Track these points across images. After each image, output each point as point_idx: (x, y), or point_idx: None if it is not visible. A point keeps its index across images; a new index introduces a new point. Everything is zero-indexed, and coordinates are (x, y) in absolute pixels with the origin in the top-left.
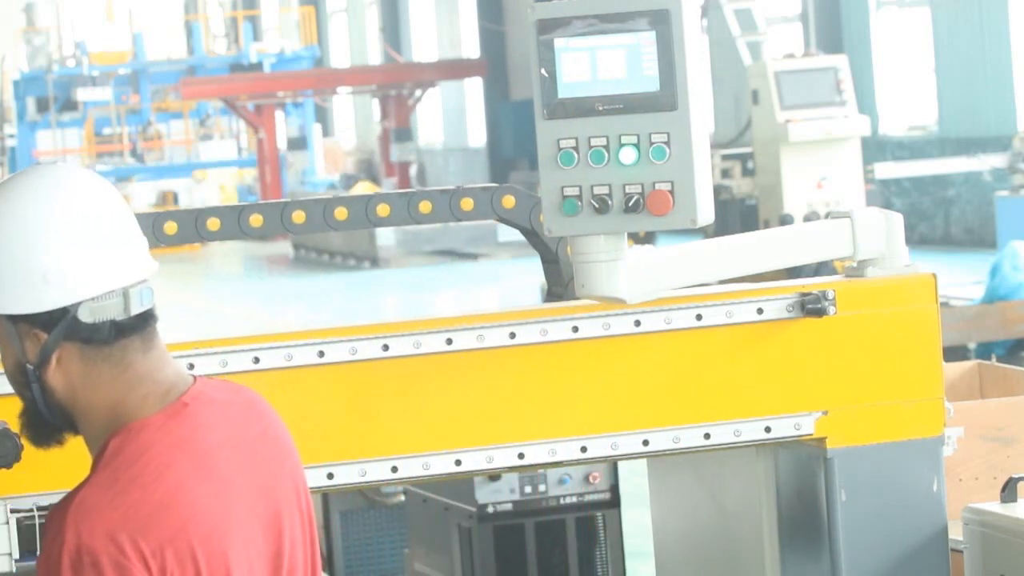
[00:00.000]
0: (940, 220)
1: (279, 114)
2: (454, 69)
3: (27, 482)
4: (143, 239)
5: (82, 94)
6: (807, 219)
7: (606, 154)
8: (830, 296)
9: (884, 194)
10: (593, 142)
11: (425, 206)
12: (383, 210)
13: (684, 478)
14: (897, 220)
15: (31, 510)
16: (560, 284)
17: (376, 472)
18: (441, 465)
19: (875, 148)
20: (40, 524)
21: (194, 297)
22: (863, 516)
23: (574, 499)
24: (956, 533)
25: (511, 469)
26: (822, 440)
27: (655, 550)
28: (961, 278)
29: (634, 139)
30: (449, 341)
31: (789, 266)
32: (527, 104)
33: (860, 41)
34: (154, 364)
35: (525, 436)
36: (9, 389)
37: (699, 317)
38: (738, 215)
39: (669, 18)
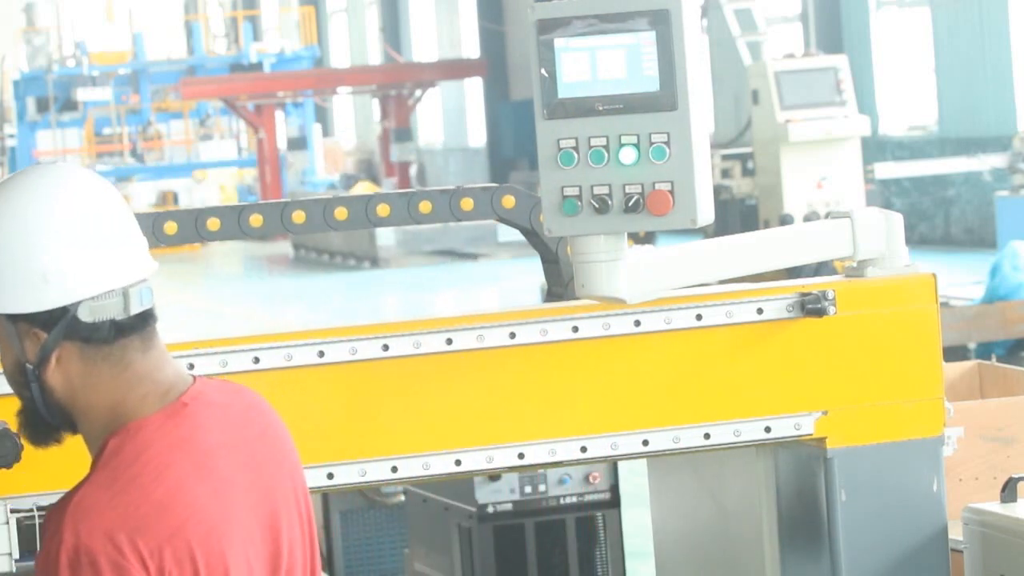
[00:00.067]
0: (940, 220)
1: (279, 114)
2: (454, 69)
3: (27, 482)
4: (143, 239)
5: (82, 94)
6: (807, 219)
7: (606, 154)
8: (830, 296)
9: (884, 194)
10: (593, 142)
11: (425, 206)
12: (383, 210)
13: (684, 478)
14: (897, 220)
15: (31, 510)
16: (560, 284)
17: (376, 472)
18: (441, 465)
19: (875, 148)
20: (40, 524)
21: (194, 297)
22: (863, 516)
23: (574, 499)
24: (956, 533)
25: (511, 469)
26: (822, 440)
27: (655, 550)
28: (961, 278)
29: (634, 139)
30: (449, 341)
31: (789, 266)
32: (527, 104)
33: (860, 41)
34: (154, 364)
35: (525, 436)
36: (9, 389)
37: (699, 317)
38: (738, 215)
39: (669, 18)
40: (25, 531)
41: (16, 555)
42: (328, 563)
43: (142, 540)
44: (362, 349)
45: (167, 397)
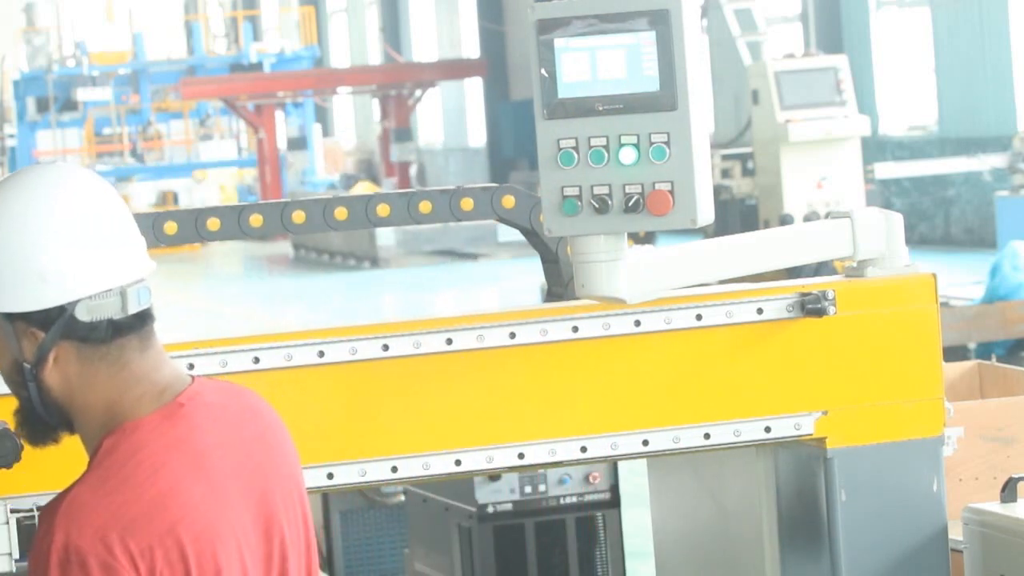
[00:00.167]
0: (940, 220)
1: (279, 114)
2: (454, 69)
3: (27, 482)
4: (141, 239)
5: (82, 94)
6: (807, 219)
7: (606, 154)
8: (830, 296)
9: (884, 194)
10: (593, 142)
11: (425, 206)
12: (383, 210)
13: (684, 478)
14: (897, 220)
15: (31, 510)
16: (560, 284)
17: (376, 472)
18: (441, 465)
19: (875, 148)
20: None
21: (194, 297)
22: (863, 516)
23: (574, 499)
24: (956, 533)
25: (511, 469)
26: (822, 440)
27: (655, 550)
28: (961, 278)
29: (634, 139)
30: (449, 341)
31: (789, 266)
32: (527, 104)
33: (860, 41)
34: (151, 364)
35: (525, 436)
36: (8, 389)
37: (699, 317)
38: (738, 215)
39: (669, 18)
40: (25, 531)
41: (16, 555)
42: (328, 563)
43: (133, 540)
44: (362, 349)
45: (163, 397)
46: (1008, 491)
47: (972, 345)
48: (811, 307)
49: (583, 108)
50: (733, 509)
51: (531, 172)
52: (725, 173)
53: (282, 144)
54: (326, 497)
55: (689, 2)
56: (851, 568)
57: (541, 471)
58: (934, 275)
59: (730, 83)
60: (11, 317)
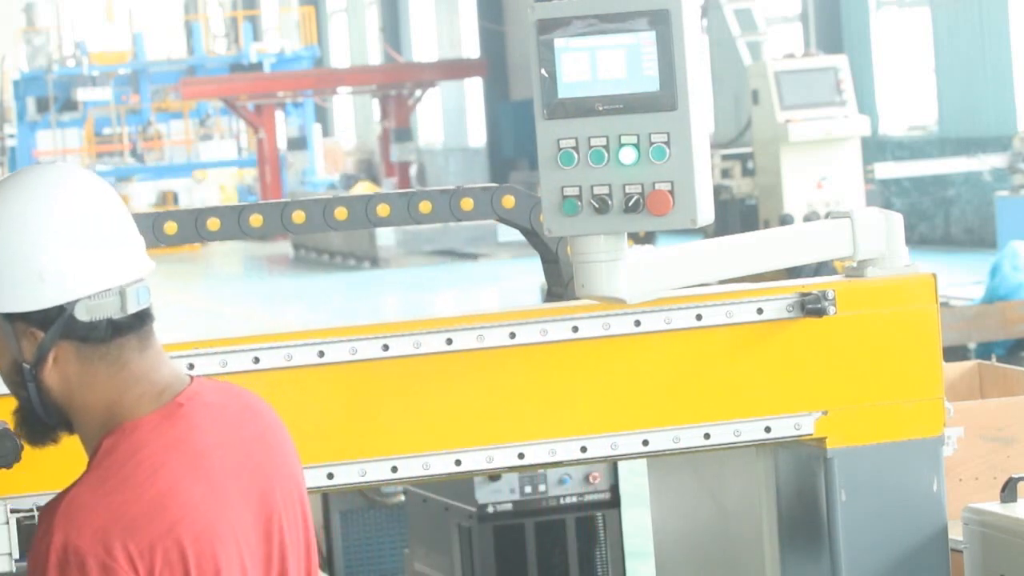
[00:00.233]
0: (940, 220)
1: (279, 114)
2: (454, 69)
3: (27, 482)
4: (140, 239)
5: (82, 94)
6: (807, 219)
7: (606, 154)
8: (830, 296)
9: (884, 194)
10: (593, 142)
11: (425, 206)
12: (383, 210)
13: (684, 478)
14: (897, 220)
15: (31, 510)
16: (560, 284)
17: (376, 472)
18: (441, 465)
19: (875, 148)
20: None
21: (194, 297)
22: (863, 516)
23: (574, 499)
24: (956, 533)
25: (511, 469)
26: (822, 440)
27: (655, 550)
28: (961, 278)
29: (634, 139)
30: (449, 341)
31: (789, 266)
32: (527, 104)
33: (860, 41)
34: (150, 364)
35: (525, 436)
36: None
37: (699, 317)
38: (738, 215)
39: (669, 18)
40: (25, 531)
41: (16, 555)
42: (328, 563)
43: (132, 541)
44: (362, 349)
45: (163, 397)
46: (1008, 491)
47: (972, 345)
48: (811, 307)
49: (583, 108)
50: (733, 509)
51: (531, 172)
52: (725, 173)
53: (282, 144)
54: (326, 497)
55: (689, 2)
56: (851, 568)
57: (541, 471)
58: (934, 275)
59: (730, 83)
60: (10, 317)
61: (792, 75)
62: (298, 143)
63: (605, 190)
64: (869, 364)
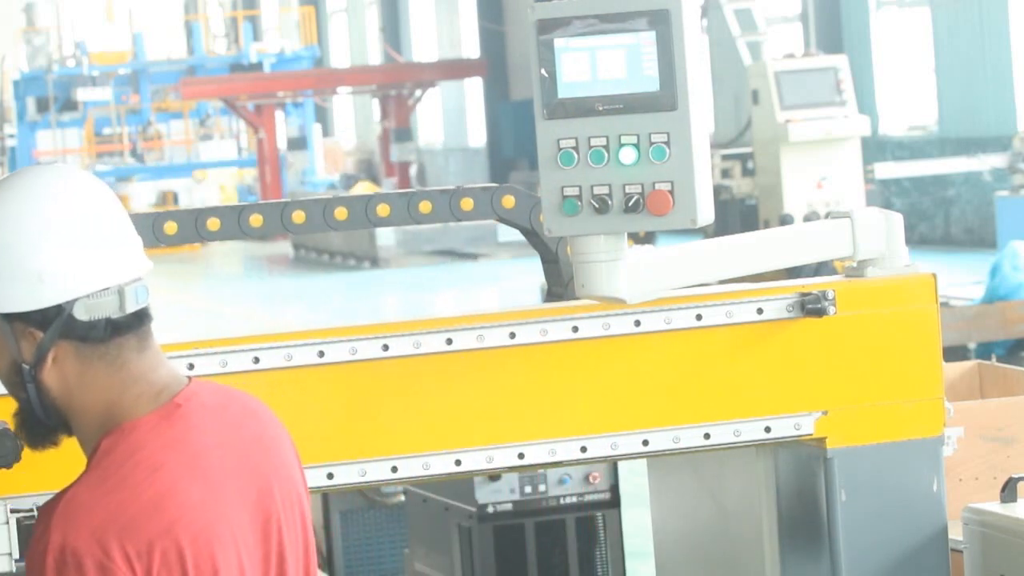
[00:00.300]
0: (940, 220)
1: (279, 114)
2: (454, 69)
3: (27, 482)
4: (138, 239)
5: (82, 94)
6: (807, 219)
7: (606, 154)
8: (830, 296)
9: (884, 194)
10: (593, 142)
11: (425, 206)
12: (383, 210)
13: (684, 478)
14: (897, 220)
15: (31, 510)
16: (560, 284)
17: (376, 472)
18: (441, 465)
19: (875, 148)
20: None
21: (194, 297)
22: (863, 516)
23: (574, 499)
24: (956, 533)
25: (511, 469)
26: (822, 440)
27: (655, 550)
28: (961, 278)
29: (634, 139)
30: (449, 341)
31: (789, 266)
32: (527, 104)
33: (860, 41)
34: (148, 364)
35: (525, 436)
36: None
37: (699, 317)
38: (738, 215)
39: (669, 18)
40: (25, 531)
41: (16, 555)
42: (328, 563)
43: (130, 541)
44: (362, 349)
45: (161, 398)
46: (1008, 491)
47: (972, 345)
48: (811, 307)
49: (583, 108)
50: (733, 509)
51: (531, 172)
52: (725, 173)
53: (282, 144)
54: (326, 497)
55: (689, 2)
56: (851, 568)
57: (541, 471)
58: (934, 275)
59: (730, 83)
60: (9, 318)
61: (792, 75)
62: (298, 143)
63: (605, 190)
64: (869, 364)
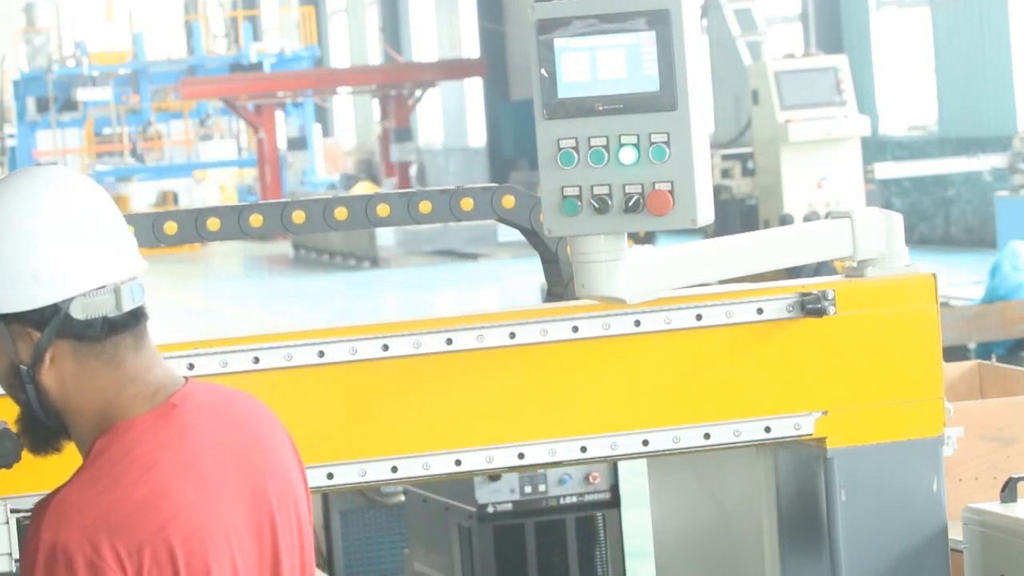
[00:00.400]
0: (940, 220)
1: (279, 114)
2: (454, 69)
3: (27, 482)
4: (132, 239)
5: (82, 94)
6: (807, 219)
7: (606, 154)
8: (830, 296)
9: (884, 194)
10: (593, 142)
11: (425, 206)
12: (383, 210)
13: (684, 478)
14: (897, 220)
15: (31, 510)
16: (560, 284)
17: (376, 472)
18: (441, 465)
19: (875, 148)
20: None
21: (194, 297)
22: (863, 516)
23: (574, 499)
24: (956, 533)
25: (511, 469)
26: (822, 440)
27: (655, 550)
28: (961, 278)
29: (634, 139)
30: (449, 341)
31: (789, 266)
32: (527, 104)
33: (860, 41)
34: (145, 364)
35: (525, 436)
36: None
37: (699, 317)
38: (738, 215)
39: (669, 18)
40: (25, 531)
41: (16, 555)
42: (328, 563)
43: (121, 541)
44: (362, 349)
45: (157, 398)
46: (1008, 491)
47: (972, 345)
48: (811, 307)
49: (583, 108)
50: (733, 509)
51: (531, 172)
52: (725, 173)
53: (282, 144)
54: (326, 497)
55: (689, 2)
56: (851, 568)
57: (541, 471)
58: (934, 275)
59: (730, 83)
60: (6, 318)
61: (792, 75)
62: (298, 143)
63: (605, 190)
64: (869, 364)
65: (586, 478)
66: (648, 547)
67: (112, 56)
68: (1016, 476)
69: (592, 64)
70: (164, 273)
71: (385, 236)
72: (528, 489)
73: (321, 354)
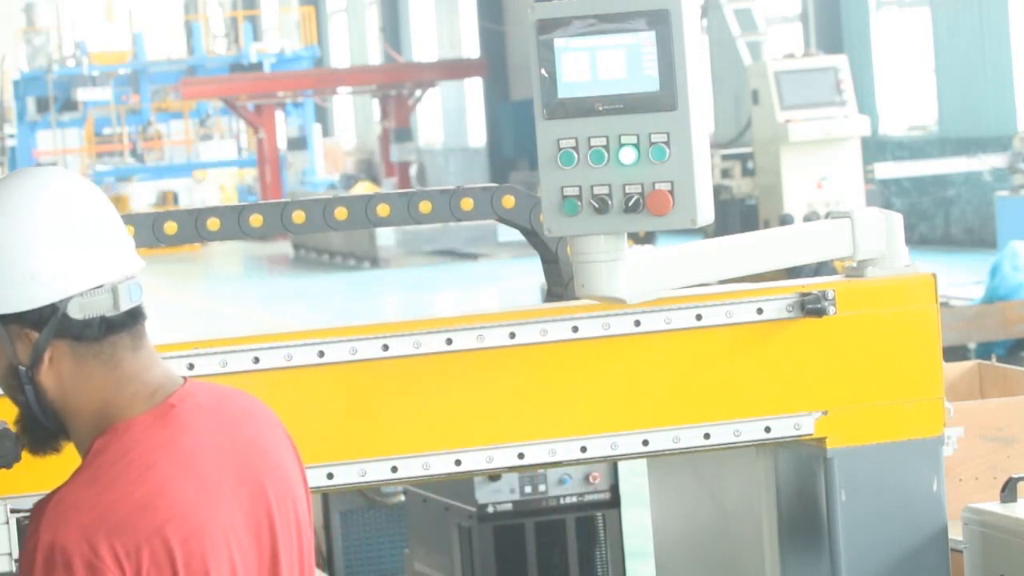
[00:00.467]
0: (940, 220)
1: (279, 114)
2: (454, 69)
3: (27, 482)
4: (129, 238)
5: (82, 94)
6: (807, 219)
7: (606, 154)
8: (830, 296)
9: (884, 194)
10: (593, 142)
11: (425, 206)
12: (383, 210)
13: (684, 478)
14: (897, 220)
15: (31, 510)
16: (560, 284)
17: (376, 472)
18: (441, 465)
19: (875, 148)
20: None
21: (194, 297)
22: (863, 516)
23: (574, 499)
24: (956, 533)
25: (511, 469)
26: (822, 440)
27: (655, 550)
28: (961, 278)
29: (634, 139)
30: (449, 341)
31: (789, 266)
32: (527, 104)
33: (860, 41)
34: (143, 364)
35: (525, 436)
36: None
37: (699, 317)
38: (738, 215)
39: (669, 18)
40: (25, 531)
41: (16, 555)
42: (328, 563)
43: (119, 541)
44: (362, 349)
45: (155, 398)
46: (1008, 491)
47: (972, 345)
48: (811, 307)
49: (583, 108)
50: (733, 509)
51: (531, 172)
52: (725, 173)
53: (282, 144)
54: (326, 497)
55: (689, 2)
56: (851, 568)
57: (541, 471)
58: (934, 275)
59: (730, 83)
60: (4, 319)
61: (792, 75)
62: (298, 143)
63: (605, 190)
64: (869, 364)
65: (586, 478)
66: (648, 547)
67: (112, 56)
68: (1016, 476)
69: (592, 64)
70: (164, 273)
71: (385, 236)
72: (528, 489)
73: (321, 354)
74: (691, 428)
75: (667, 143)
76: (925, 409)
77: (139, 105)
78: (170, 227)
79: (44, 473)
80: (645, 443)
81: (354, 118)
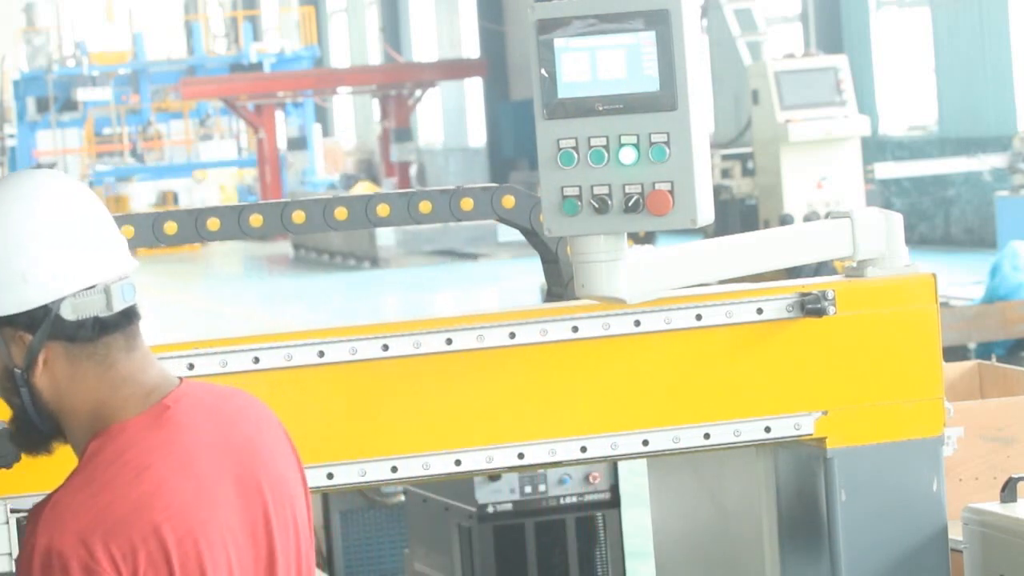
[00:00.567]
0: (940, 220)
1: (279, 114)
2: (454, 69)
3: (27, 482)
4: (122, 239)
5: (82, 94)
6: (807, 219)
7: (606, 154)
8: (830, 296)
9: (884, 194)
10: (593, 142)
11: (425, 206)
12: (383, 210)
13: (684, 478)
14: (897, 220)
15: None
16: (560, 284)
17: (376, 472)
18: (441, 465)
19: (875, 148)
20: None
21: (194, 297)
22: (863, 516)
23: (574, 499)
24: (956, 533)
25: (511, 469)
26: (822, 440)
27: (655, 550)
28: (961, 278)
29: (634, 139)
30: (449, 341)
31: (789, 266)
32: (527, 104)
33: (860, 41)
34: (138, 365)
35: (525, 436)
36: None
37: (699, 317)
38: (738, 215)
39: (669, 18)
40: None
41: (16, 555)
42: (328, 563)
43: (115, 543)
44: (362, 349)
45: (150, 399)
46: (1008, 491)
47: (972, 345)
48: (811, 307)
49: (583, 108)
50: (733, 509)
51: (531, 172)
52: (725, 173)
53: (282, 144)
54: (326, 497)
55: (689, 2)
56: (851, 568)
57: (541, 471)
58: (934, 275)
59: (730, 83)
60: None
61: (792, 75)
62: (298, 143)
63: (605, 190)
64: (869, 364)
65: (586, 478)
66: (648, 547)
67: (112, 56)
68: (1016, 476)
69: (592, 64)
70: (164, 273)
71: (385, 236)
72: (528, 489)
73: (321, 354)
74: (691, 428)
75: (667, 143)
76: (925, 409)
77: (139, 105)
78: (170, 227)
79: (44, 473)
80: (645, 443)
81: (354, 118)
